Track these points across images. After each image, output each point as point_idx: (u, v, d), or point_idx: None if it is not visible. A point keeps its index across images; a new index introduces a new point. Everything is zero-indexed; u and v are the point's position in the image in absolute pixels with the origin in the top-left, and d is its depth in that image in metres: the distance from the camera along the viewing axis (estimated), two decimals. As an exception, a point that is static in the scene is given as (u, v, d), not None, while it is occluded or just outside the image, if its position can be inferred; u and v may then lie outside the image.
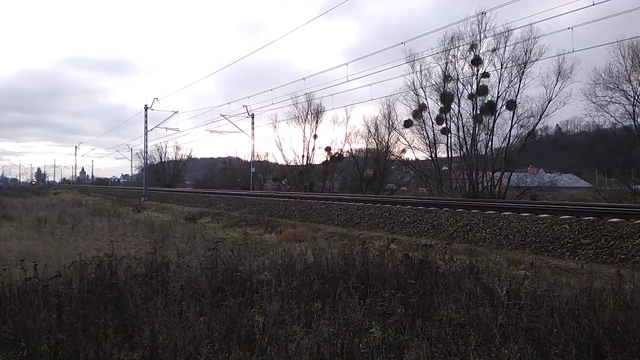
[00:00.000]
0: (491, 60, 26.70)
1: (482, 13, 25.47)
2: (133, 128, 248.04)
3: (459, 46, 27.09)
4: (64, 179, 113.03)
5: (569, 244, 8.77)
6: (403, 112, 43.91)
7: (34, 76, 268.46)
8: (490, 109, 26.99)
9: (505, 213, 10.60)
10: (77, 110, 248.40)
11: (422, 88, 29.51)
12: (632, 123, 23.96)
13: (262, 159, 47.89)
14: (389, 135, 35.52)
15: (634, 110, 23.38)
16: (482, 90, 27.25)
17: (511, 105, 26.49)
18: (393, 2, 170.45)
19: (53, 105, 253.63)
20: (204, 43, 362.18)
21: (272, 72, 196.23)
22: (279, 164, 44.27)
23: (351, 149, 39.27)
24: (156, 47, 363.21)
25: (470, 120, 27.96)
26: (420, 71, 29.15)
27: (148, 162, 50.58)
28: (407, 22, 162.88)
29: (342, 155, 39.16)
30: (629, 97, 23.28)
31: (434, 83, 28.87)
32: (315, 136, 39.35)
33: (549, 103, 25.57)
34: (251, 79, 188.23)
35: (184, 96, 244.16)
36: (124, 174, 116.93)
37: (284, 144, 41.20)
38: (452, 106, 28.52)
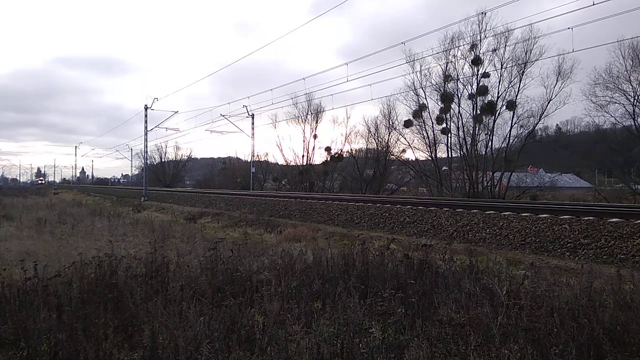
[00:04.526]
0: (491, 60, 26.74)
1: (482, 13, 25.49)
2: (131, 128, 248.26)
3: (459, 46, 27.13)
4: (64, 179, 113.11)
5: (569, 244, 8.77)
6: (403, 112, 43.85)
7: (28, 76, 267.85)
8: (490, 109, 26.99)
9: (505, 213, 10.59)
10: (72, 110, 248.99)
11: (422, 88, 29.55)
12: (632, 123, 23.99)
13: (262, 159, 47.98)
14: (389, 135, 35.56)
15: (634, 110, 23.40)
16: (482, 90, 27.25)
17: (511, 105, 26.50)
18: (383, 1, 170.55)
19: (48, 105, 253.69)
20: (197, 42, 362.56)
21: (266, 72, 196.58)
22: (279, 164, 44.33)
23: (351, 149, 39.32)
24: (150, 46, 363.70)
25: (470, 120, 27.98)
26: (420, 71, 29.19)
27: (148, 162, 50.55)
28: (399, 22, 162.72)
29: (342, 155, 39.15)
30: (629, 97, 23.32)
31: (434, 83, 28.92)
32: (315, 136, 39.40)
33: (548, 103, 25.60)
34: (245, 78, 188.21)
35: (180, 96, 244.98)
36: (124, 174, 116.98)
37: (283, 144, 41.21)
38: (452, 106, 28.55)
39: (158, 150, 68.05)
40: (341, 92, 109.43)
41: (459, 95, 28.09)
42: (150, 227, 14.02)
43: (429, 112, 29.80)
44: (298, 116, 39.20)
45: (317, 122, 39.26)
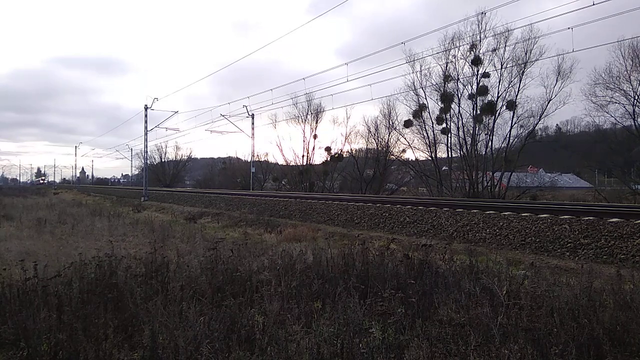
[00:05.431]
0: (491, 60, 26.76)
1: (482, 13, 25.50)
2: (130, 128, 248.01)
3: (459, 46, 27.13)
4: (64, 179, 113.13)
5: (569, 244, 8.77)
6: (403, 112, 43.96)
7: (26, 76, 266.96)
8: (490, 109, 27.00)
9: (505, 213, 10.59)
10: (72, 110, 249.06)
11: (422, 88, 29.58)
12: (632, 123, 24.00)
13: (262, 159, 48.01)
14: (389, 135, 35.59)
15: (634, 110, 23.41)
16: (482, 90, 27.26)
17: (511, 105, 26.51)
18: (382, 1, 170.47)
19: (48, 105, 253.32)
20: (197, 42, 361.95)
21: (266, 72, 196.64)
22: (279, 164, 44.37)
23: (351, 149, 39.36)
24: (150, 46, 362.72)
25: (470, 120, 27.99)
26: (420, 71, 29.22)
27: (148, 162, 50.55)
28: (399, 21, 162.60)
29: (342, 155, 39.18)
30: (629, 97, 23.33)
31: (434, 83, 28.94)
32: (315, 136, 39.44)
33: (548, 103, 25.63)
34: (245, 78, 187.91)
35: (180, 96, 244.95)
36: (124, 173, 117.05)
37: (283, 144, 41.27)
38: (452, 106, 28.57)
39: (158, 150, 68.18)
40: (341, 92, 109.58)
41: (459, 95, 28.15)
42: (150, 227, 14.02)
43: (429, 112, 29.86)
44: (298, 116, 39.29)
45: (317, 122, 39.35)
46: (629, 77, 23.08)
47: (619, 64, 23.15)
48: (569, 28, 16.83)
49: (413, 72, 29.30)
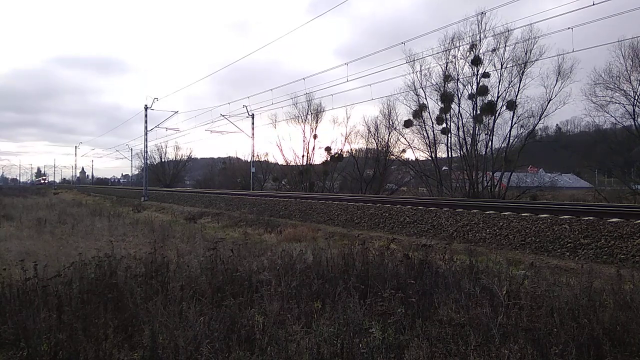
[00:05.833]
0: (491, 60, 26.75)
1: (482, 13, 25.51)
2: (130, 128, 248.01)
3: (459, 46, 27.13)
4: (64, 179, 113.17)
5: (569, 244, 8.77)
6: (403, 112, 43.97)
7: (27, 76, 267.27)
8: (490, 109, 26.99)
9: (505, 213, 10.59)
10: (71, 110, 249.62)
11: (422, 88, 29.57)
12: (632, 123, 24.01)
13: (262, 159, 48.02)
14: (389, 135, 35.59)
15: (634, 110, 23.41)
16: (482, 90, 27.26)
17: (511, 105, 26.51)
18: (382, 0, 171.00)
19: (47, 105, 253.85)
20: (197, 42, 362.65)
21: (266, 72, 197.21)
22: (279, 164, 44.36)
23: (351, 149, 39.37)
24: (150, 46, 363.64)
25: (470, 120, 27.99)
26: (420, 71, 29.22)
27: (148, 162, 50.55)
28: (399, 21, 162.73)
29: (342, 155, 39.18)
30: (629, 97, 23.33)
31: (434, 83, 28.93)
32: (315, 136, 39.44)
33: (548, 103, 25.62)
34: (244, 78, 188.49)
35: (180, 96, 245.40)
36: (124, 174, 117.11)
37: (283, 144, 41.28)
38: (452, 106, 28.56)
39: (158, 150, 68.18)
40: (341, 92, 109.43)
41: (459, 95, 28.15)
42: (150, 227, 14.02)
43: (429, 112, 29.86)
44: (298, 116, 39.29)
45: (317, 122, 39.35)
46: (629, 77, 23.11)
47: (619, 64, 23.20)
48: (569, 28, 16.83)
49: (413, 72, 29.35)
